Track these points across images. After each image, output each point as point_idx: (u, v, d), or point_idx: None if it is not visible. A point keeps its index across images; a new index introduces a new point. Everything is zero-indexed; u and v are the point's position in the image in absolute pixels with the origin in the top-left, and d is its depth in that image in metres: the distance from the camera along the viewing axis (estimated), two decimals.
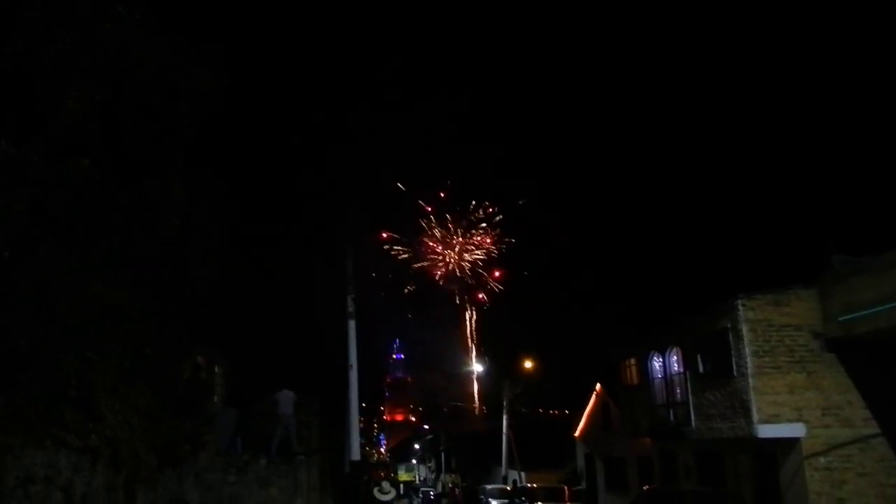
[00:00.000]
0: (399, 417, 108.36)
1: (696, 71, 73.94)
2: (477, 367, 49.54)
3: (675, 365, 20.39)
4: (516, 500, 30.40)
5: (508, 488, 34.01)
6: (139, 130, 7.58)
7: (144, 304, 7.91)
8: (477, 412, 57.05)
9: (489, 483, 38.15)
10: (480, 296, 57.59)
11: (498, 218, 58.32)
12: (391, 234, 58.45)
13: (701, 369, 18.62)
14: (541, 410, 53.85)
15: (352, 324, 16.47)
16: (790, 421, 15.90)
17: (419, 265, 57.50)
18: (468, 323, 56.97)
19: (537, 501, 28.69)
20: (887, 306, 14.12)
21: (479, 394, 55.48)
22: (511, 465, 39.32)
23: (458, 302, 59.09)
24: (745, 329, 16.37)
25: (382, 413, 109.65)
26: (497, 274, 57.64)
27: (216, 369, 19.12)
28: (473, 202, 59.83)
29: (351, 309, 16.59)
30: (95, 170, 6.71)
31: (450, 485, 48.52)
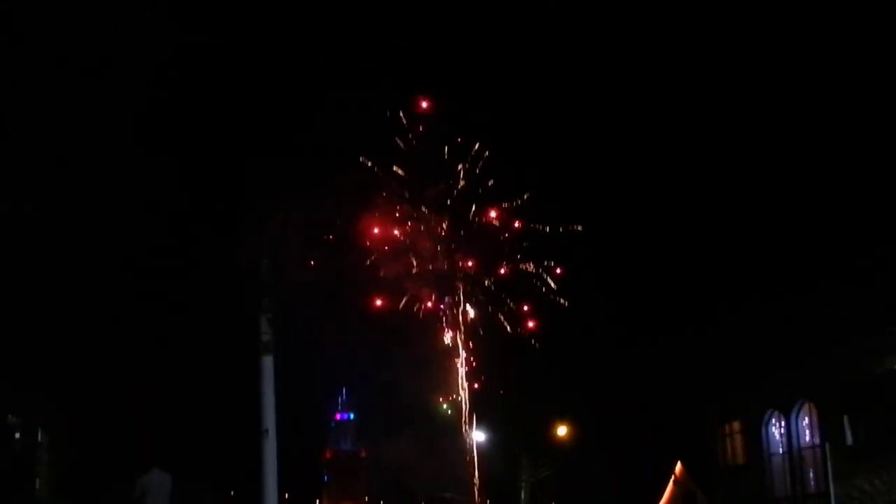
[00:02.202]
0: None
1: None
2: (476, 436, 49.49)
3: (807, 432, 20.52)
4: None
5: None
6: None
7: None
8: None
9: None
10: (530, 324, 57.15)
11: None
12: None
13: (850, 439, 18.60)
14: None
15: (268, 362, 16.02)
16: None
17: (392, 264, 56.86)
18: (460, 358, 56.72)
19: None
20: None
21: (479, 478, 55.34)
22: None
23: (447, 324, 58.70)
24: None
25: None
26: (531, 325, 57.36)
27: (39, 436, 18.82)
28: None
29: (267, 338, 16.13)
30: None
31: None
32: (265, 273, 16.37)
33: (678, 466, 29.30)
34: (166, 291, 20.71)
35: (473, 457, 55.34)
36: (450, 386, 57.46)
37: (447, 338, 62.66)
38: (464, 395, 54.89)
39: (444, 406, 55.30)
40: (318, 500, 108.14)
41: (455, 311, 59.49)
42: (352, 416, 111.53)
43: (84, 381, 19.59)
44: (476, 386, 54.52)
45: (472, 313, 60.69)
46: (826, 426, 19.46)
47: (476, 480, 56.58)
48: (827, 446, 19.23)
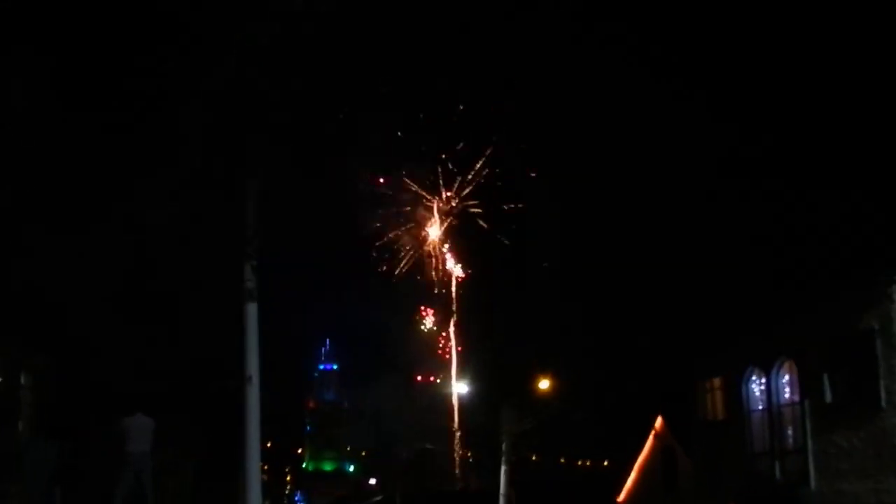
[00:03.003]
0: (327, 466, 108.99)
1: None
2: (459, 387, 49.59)
3: (787, 389, 20.57)
4: None
5: None
6: None
7: None
8: (458, 458, 57.31)
9: None
10: None
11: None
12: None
13: (828, 397, 18.70)
14: (563, 460, 53.96)
15: (252, 309, 16.10)
16: None
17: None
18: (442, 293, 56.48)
19: None
20: None
21: (460, 430, 55.55)
22: None
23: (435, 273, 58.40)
24: None
25: (300, 457, 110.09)
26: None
27: (22, 377, 18.83)
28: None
29: (251, 285, 16.19)
30: None
31: None
32: (250, 220, 16.35)
33: (658, 421, 29.52)
34: (152, 234, 20.58)
35: (454, 409, 55.39)
36: (437, 358, 56.93)
37: (429, 319, 61.86)
38: (451, 349, 54.70)
39: (438, 381, 55.07)
40: (300, 450, 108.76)
41: (434, 260, 58.79)
42: (334, 366, 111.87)
43: (68, 323, 19.50)
44: (457, 336, 54.21)
45: (454, 269, 60.06)
46: (805, 383, 19.60)
47: (457, 432, 56.71)
48: (806, 403, 19.43)
